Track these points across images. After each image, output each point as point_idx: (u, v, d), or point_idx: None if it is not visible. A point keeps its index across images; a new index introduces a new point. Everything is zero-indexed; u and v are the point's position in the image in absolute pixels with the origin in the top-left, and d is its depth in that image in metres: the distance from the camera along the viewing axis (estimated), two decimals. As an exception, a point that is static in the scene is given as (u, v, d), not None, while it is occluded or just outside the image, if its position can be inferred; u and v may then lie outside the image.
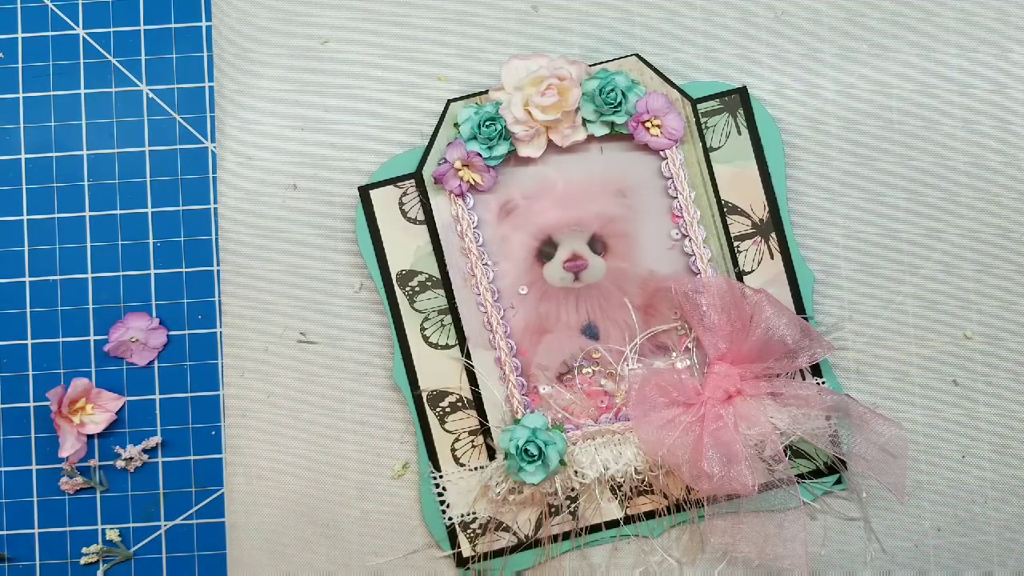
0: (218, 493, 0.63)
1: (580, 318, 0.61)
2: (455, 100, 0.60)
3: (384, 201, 0.61)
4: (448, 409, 0.61)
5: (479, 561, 0.61)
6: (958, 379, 0.62)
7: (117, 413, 0.63)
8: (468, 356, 0.60)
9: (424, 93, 0.62)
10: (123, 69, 0.64)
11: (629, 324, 0.61)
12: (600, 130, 0.60)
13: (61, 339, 0.63)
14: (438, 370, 0.60)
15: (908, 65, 0.62)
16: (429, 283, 0.61)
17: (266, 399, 0.62)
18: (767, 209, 0.60)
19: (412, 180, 0.61)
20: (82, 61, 0.64)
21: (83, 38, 0.64)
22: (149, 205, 0.64)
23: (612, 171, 0.61)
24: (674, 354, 0.61)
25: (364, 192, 0.61)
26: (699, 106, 0.60)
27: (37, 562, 0.63)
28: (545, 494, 0.60)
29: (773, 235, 0.60)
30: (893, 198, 0.62)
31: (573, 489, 0.60)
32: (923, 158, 0.62)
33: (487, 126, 0.59)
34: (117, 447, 0.63)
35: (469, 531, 0.61)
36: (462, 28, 0.63)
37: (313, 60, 0.63)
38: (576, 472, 0.59)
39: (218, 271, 0.63)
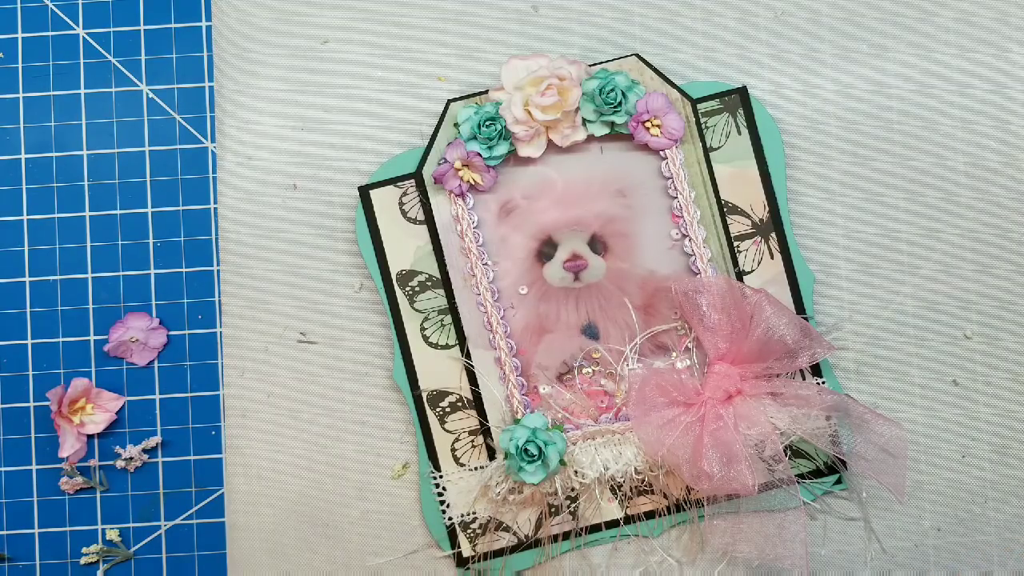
0: (218, 493, 0.63)
1: (580, 318, 0.61)
2: (455, 100, 0.60)
3: (384, 201, 0.61)
4: (448, 409, 0.61)
5: (479, 561, 0.61)
6: (958, 379, 0.62)
7: (117, 413, 0.63)
8: (468, 356, 0.60)
9: (424, 93, 0.62)
10: (123, 69, 0.64)
11: (629, 324, 0.61)
12: (600, 130, 0.60)
13: (61, 339, 0.63)
14: (438, 370, 0.60)
15: (907, 65, 0.62)
16: (429, 283, 0.61)
17: (266, 399, 0.62)
18: (767, 209, 0.60)
19: (412, 180, 0.61)
20: (82, 61, 0.64)
21: (83, 38, 0.64)
22: (149, 205, 0.64)
23: (612, 171, 0.61)
24: (674, 354, 0.61)
25: (364, 192, 0.61)
26: (699, 106, 0.60)
27: (37, 562, 0.63)
28: (545, 494, 0.60)
29: (773, 235, 0.60)
30: (892, 198, 0.62)
31: (573, 489, 0.60)
32: (922, 158, 0.62)
33: (487, 126, 0.59)
34: (117, 447, 0.63)
35: (469, 531, 0.61)
36: (461, 28, 0.63)
37: (313, 60, 0.63)
38: (576, 472, 0.59)
39: (218, 271, 0.63)
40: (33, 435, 0.63)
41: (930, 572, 0.61)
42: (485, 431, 0.60)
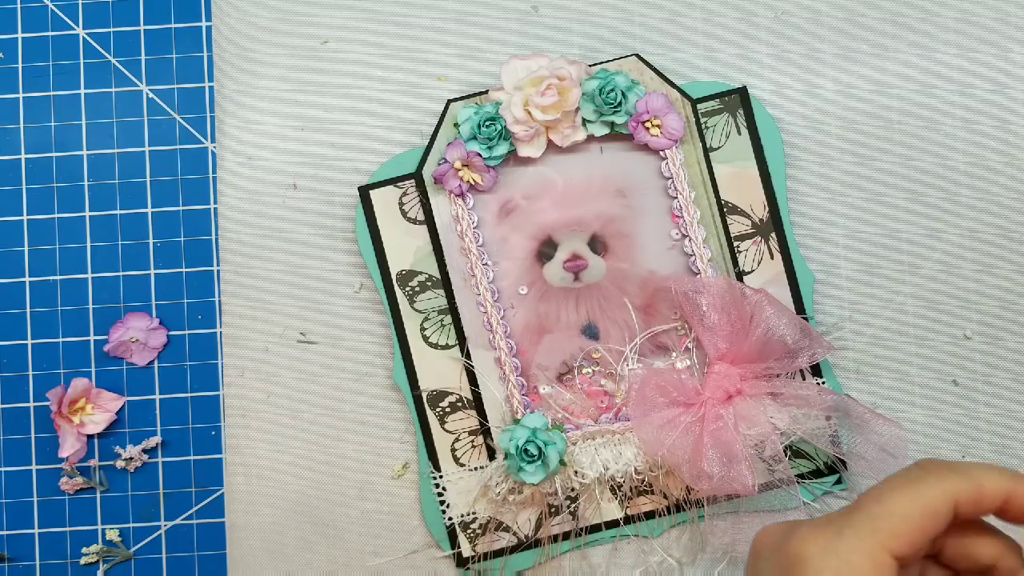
0: (218, 493, 0.63)
1: (580, 318, 0.61)
2: (455, 100, 0.60)
3: (384, 201, 0.61)
4: (448, 409, 0.61)
5: (479, 561, 0.61)
6: (958, 379, 0.62)
7: (117, 413, 0.63)
8: (468, 356, 0.60)
9: (424, 93, 0.62)
10: (123, 69, 0.64)
11: (629, 324, 0.61)
12: (600, 130, 0.60)
13: (61, 339, 0.63)
14: (438, 370, 0.60)
15: (908, 65, 0.62)
16: (429, 283, 0.61)
17: (266, 399, 0.62)
18: (767, 209, 0.60)
19: (412, 180, 0.61)
20: (82, 61, 0.64)
21: (83, 38, 0.64)
22: (149, 205, 0.64)
23: (612, 171, 0.61)
24: (674, 354, 0.61)
25: (364, 192, 0.61)
26: (699, 106, 0.60)
27: (37, 562, 0.63)
28: (545, 494, 0.60)
29: (773, 235, 0.60)
30: (893, 198, 0.62)
31: (573, 489, 0.60)
32: (923, 158, 0.62)
33: (487, 126, 0.59)
34: (117, 447, 0.63)
35: (469, 531, 0.61)
36: (462, 28, 0.63)
37: (313, 60, 0.63)
38: (576, 472, 0.59)
39: (218, 271, 0.63)
40: (33, 435, 0.63)
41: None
42: (485, 431, 0.60)
